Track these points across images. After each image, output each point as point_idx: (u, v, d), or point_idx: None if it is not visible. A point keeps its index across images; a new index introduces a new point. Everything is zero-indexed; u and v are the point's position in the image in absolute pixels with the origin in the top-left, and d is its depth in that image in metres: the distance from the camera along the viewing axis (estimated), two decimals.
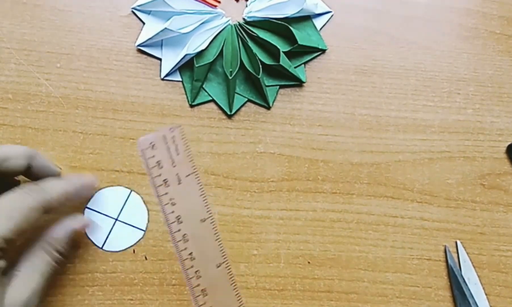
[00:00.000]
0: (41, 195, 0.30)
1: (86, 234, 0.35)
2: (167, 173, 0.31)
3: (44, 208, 0.29)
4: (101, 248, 0.35)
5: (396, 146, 0.39)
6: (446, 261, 0.38)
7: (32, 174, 0.32)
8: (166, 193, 0.31)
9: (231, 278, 0.32)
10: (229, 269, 0.32)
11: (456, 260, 0.38)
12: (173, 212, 0.32)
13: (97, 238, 0.35)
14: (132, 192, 0.36)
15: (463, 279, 0.37)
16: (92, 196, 0.35)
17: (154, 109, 0.37)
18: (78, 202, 0.34)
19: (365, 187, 0.38)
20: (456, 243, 0.38)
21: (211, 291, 0.31)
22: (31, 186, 0.30)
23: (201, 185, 0.32)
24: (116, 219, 0.36)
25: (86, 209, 0.35)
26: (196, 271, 0.31)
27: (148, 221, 0.36)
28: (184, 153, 0.32)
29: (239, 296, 0.32)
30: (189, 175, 0.32)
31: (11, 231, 0.28)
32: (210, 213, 0.32)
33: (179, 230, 0.31)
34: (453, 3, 0.42)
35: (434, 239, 0.38)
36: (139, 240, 0.36)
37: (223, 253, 0.32)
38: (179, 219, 0.31)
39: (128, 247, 0.36)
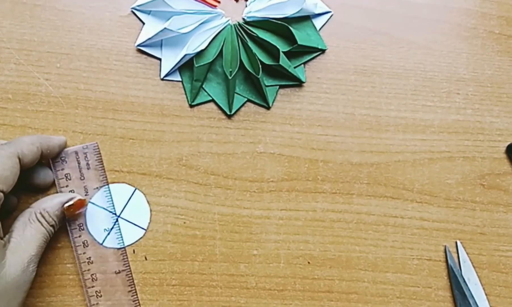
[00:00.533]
0: (13, 146, 0.31)
1: (87, 229, 0.35)
2: (74, 184, 0.35)
3: (19, 157, 0.31)
4: (101, 244, 0.35)
5: (396, 147, 0.39)
6: (446, 261, 0.38)
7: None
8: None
9: (130, 285, 0.35)
10: (129, 277, 0.35)
11: (456, 260, 0.38)
12: (76, 220, 0.35)
13: (98, 234, 0.35)
14: (137, 190, 0.36)
15: (463, 279, 0.37)
16: (59, 154, 0.35)
17: (154, 109, 0.37)
18: (50, 156, 0.35)
19: (365, 187, 0.38)
20: (456, 243, 0.38)
21: (107, 294, 0.34)
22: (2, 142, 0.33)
23: (109, 198, 0.35)
24: (118, 216, 0.36)
25: (89, 204, 0.35)
26: (93, 275, 0.34)
27: (150, 220, 0.36)
28: (95, 168, 0.35)
29: (136, 302, 0.35)
30: (97, 188, 0.35)
31: None
32: (116, 223, 0.35)
33: (79, 236, 0.35)
34: (453, 3, 0.42)
35: (434, 239, 0.38)
36: (140, 238, 0.36)
37: (124, 261, 0.35)
38: (80, 226, 0.35)
39: (129, 245, 0.36)
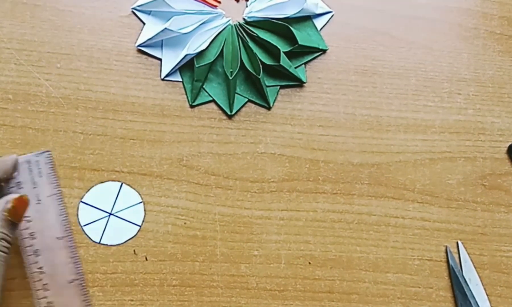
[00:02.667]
0: None
1: (82, 229, 0.35)
2: (26, 192, 0.33)
3: None
4: (99, 242, 0.35)
5: (397, 147, 0.39)
6: (447, 262, 0.37)
7: None
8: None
9: (84, 294, 0.34)
10: (82, 286, 0.34)
11: (457, 260, 0.38)
12: (27, 228, 0.33)
13: (94, 234, 0.35)
14: (123, 185, 0.36)
15: (464, 279, 0.37)
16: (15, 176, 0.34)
17: (154, 110, 0.37)
18: (7, 180, 0.33)
19: (366, 187, 0.38)
20: (457, 243, 0.38)
21: (59, 304, 0.33)
22: None
23: (62, 205, 0.34)
24: (110, 213, 0.36)
25: (81, 203, 0.35)
26: (45, 284, 0.33)
27: (145, 214, 0.36)
28: (48, 176, 0.34)
29: None
30: (50, 195, 0.34)
31: None
32: (68, 232, 0.34)
33: (31, 245, 0.33)
34: (454, 3, 0.42)
35: (435, 240, 0.38)
36: (136, 233, 0.36)
37: (78, 270, 0.34)
38: (32, 234, 0.33)
39: (126, 240, 0.36)
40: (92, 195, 0.36)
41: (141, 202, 0.36)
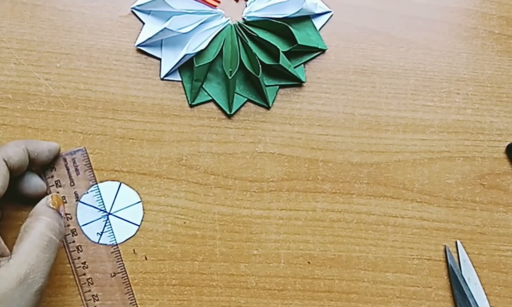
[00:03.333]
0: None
1: (80, 229, 0.35)
2: (65, 191, 0.35)
3: (5, 160, 0.30)
4: (97, 242, 0.35)
5: (396, 146, 0.39)
6: (446, 261, 0.38)
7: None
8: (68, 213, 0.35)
9: (126, 287, 0.35)
10: (125, 280, 0.35)
11: (456, 260, 0.38)
12: (68, 225, 0.35)
13: (92, 234, 0.35)
14: (122, 184, 0.36)
15: (463, 279, 0.37)
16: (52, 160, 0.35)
17: (154, 109, 0.37)
18: (39, 161, 0.34)
19: (365, 186, 0.38)
20: (456, 243, 0.38)
21: (103, 298, 0.35)
22: None
23: (100, 201, 0.36)
24: (109, 213, 0.36)
25: (79, 203, 0.35)
26: (88, 279, 0.35)
27: (144, 214, 0.36)
28: (84, 173, 0.36)
29: (133, 303, 0.35)
30: (86, 192, 0.36)
31: None
32: (109, 227, 0.35)
33: (73, 241, 0.35)
34: (452, 3, 0.42)
35: (434, 239, 0.38)
36: (135, 233, 0.36)
37: (119, 264, 0.35)
38: (74, 231, 0.35)
39: (125, 240, 0.36)
40: (91, 194, 0.36)
41: (139, 202, 0.36)
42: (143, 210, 0.36)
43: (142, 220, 0.36)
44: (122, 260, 0.35)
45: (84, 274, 0.34)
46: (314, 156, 0.38)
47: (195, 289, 0.36)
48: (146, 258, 0.36)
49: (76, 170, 0.35)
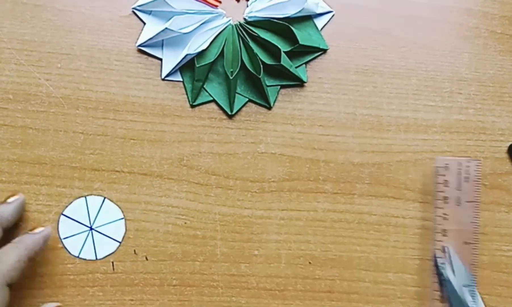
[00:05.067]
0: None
1: (61, 242, 0.35)
2: (449, 192, 0.37)
3: (7, 284, 0.30)
4: (78, 256, 0.35)
5: (398, 146, 0.39)
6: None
7: None
8: (441, 208, 0.37)
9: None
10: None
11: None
12: (441, 224, 0.37)
13: (72, 247, 0.35)
14: (106, 200, 0.36)
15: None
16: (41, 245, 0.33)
17: (154, 110, 0.37)
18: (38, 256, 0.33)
19: (366, 187, 0.38)
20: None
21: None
22: None
23: (477, 214, 0.37)
24: (91, 228, 0.35)
25: (62, 216, 0.35)
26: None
27: (126, 230, 0.36)
28: (473, 183, 0.37)
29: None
30: (470, 201, 0.37)
31: None
32: (476, 240, 0.37)
33: (440, 241, 0.37)
34: (454, 3, 0.42)
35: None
36: (116, 249, 0.36)
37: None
38: (444, 232, 0.37)
39: (105, 256, 0.35)
40: (74, 208, 0.35)
41: (122, 218, 0.36)
42: (125, 226, 0.36)
43: (123, 237, 0.36)
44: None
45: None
46: (315, 156, 0.38)
47: (195, 290, 0.36)
48: (146, 259, 0.36)
49: (467, 177, 0.37)
